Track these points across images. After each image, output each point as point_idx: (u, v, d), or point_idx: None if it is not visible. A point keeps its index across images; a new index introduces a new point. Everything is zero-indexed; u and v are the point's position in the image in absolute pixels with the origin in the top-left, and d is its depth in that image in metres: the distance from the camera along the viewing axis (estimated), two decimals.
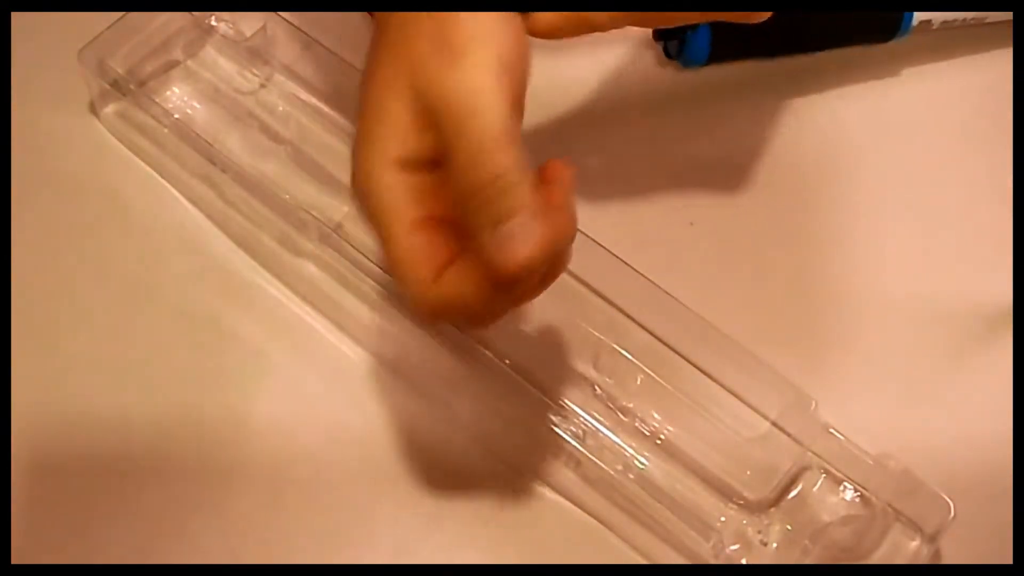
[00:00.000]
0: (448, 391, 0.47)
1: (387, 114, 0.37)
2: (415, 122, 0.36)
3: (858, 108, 0.57)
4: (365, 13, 0.55)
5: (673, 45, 0.56)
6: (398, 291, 0.46)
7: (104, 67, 0.51)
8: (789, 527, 0.44)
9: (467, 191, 0.36)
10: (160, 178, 0.52)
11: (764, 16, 0.44)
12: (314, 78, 0.53)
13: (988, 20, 0.57)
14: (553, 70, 0.55)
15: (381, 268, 0.47)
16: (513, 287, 0.36)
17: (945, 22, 0.57)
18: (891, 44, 0.57)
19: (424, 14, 0.37)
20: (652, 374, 0.47)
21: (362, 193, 0.37)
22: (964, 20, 0.57)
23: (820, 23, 0.56)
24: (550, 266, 0.37)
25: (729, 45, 0.55)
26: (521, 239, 0.35)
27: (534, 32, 0.43)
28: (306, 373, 0.48)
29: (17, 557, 0.43)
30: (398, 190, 0.37)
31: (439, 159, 0.37)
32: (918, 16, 0.56)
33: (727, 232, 0.53)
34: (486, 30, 0.36)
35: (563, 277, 0.47)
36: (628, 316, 0.48)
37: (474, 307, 0.37)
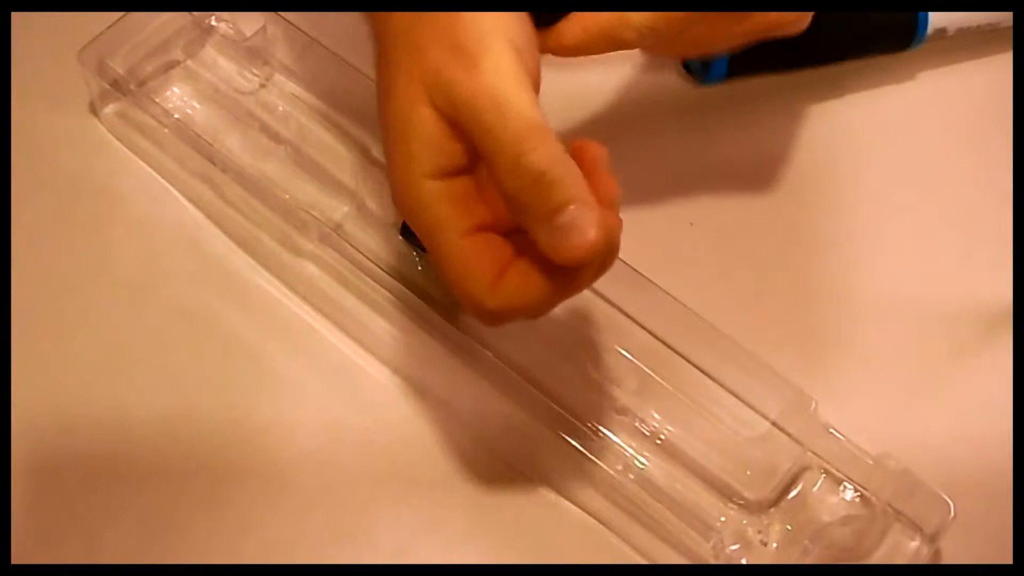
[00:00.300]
0: (448, 391, 0.47)
1: (414, 129, 0.37)
2: (444, 131, 0.36)
3: (858, 110, 0.57)
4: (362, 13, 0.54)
5: (694, 63, 0.55)
6: (430, 297, 0.47)
7: (104, 67, 0.51)
8: (789, 527, 0.44)
9: (514, 192, 0.36)
10: (160, 178, 0.52)
11: (803, 25, 0.43)
12: (314, 78, 0.53)
13: (1002, 25, 0.57)
14: (559, 73, 0.55)
15: (381, 268, 0.47)
16: (576, 278, 0.37)
17: (960, 29, 0.56)
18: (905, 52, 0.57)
19: (427, 18, 0.37)
20: (652, 374, 0.47)
21: (407, 210, 0.37)
22: (979, 27, 0.56)
23: (836, 35, 0.55)
24: (606, 252, 0.37)
25: (747, 60, 0.54)
26: (581, 226, 0.35)
27: (559, 50, 0.42)
28: (306, 373, 0.48)
29: (17, 557, 0.43)
30: (442, 201, 0.37)
31: (475, 162, 0.37)
32: (933, 24, 0.55)
33: (727, 232, 0.53)
34: (493, 22, 0.36)
35: None
36: (628, 316, 0.48)
37: (536, 307, 0.37)
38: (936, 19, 0.55)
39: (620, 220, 0.37)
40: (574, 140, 0.38)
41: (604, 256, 0.37)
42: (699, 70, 0.55)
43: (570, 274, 0.36)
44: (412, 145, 0.37)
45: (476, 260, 0.37)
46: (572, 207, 0.35)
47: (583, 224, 0.35)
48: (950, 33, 0.56)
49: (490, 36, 0.36)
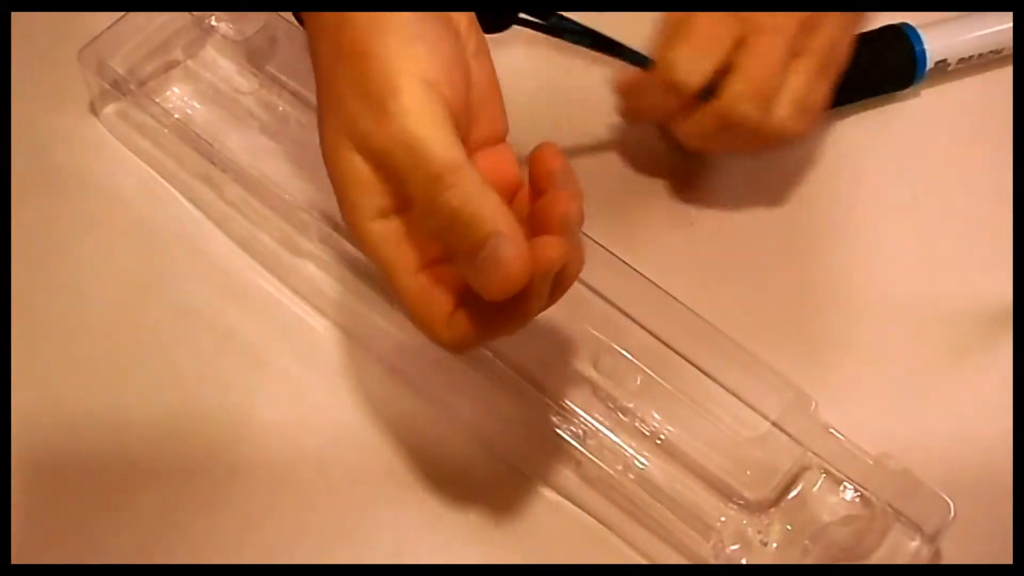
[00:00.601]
0: (448, 391, 0.47)
1: (348, 175, 0.36)
2: (375, 175, 0.36)
3: (858, 111, 0.57)
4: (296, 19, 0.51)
5: None
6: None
7: (104, 67, 0.51)
8: (789, 527, 0.44)
9: (436, 233, 0.36)
10: (160, 178, 0.52)
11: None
12: (314, 78, 0.53)
13: (1004, 52, 0.57)
14: (566, 72, 0.55)
15: None
16: (527, 303, 0.36)
17: (961, 59, 0.56)
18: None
19: (344, 64, 0.37)
20: (652, 374, 0.47)
21: (362, 250, 0.38)
22: (981, 55, 0.56)
23: (839, 81, 0.55)
24: (559, 275, 0.37)
25: None
26: (501, 260, 0.34)
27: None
28: (306, 373, 0.48)
29: (17, 557, 0.43)
30: (389, 242, 0.37)
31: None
32: (933, 56, 0.55)
33: (727, 232, 0.53)
34: (401, 62, 0.36)
35: None
36: (628, 316, 0.48)
37: (494, 334, 0.37)
38: (935, 51, 0.55)
39: (571, 243, 0.36)
40: (537, 145, 0.38)
41: (549, 280, 0.36)
42: None
43: (519, 301, 0.36)
44: (349, 192, 0.37)
45: (429, 296, 0.37)
46: (491, 242, 0.34)
47: (503, 258, 0.34)
48: (951, 66, 0.56)
49: (399, 78, 0.35)
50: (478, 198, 0.35)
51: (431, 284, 0.37)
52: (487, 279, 0.34)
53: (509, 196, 0.39)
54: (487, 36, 0.42)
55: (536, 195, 0.38)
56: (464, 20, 0.39)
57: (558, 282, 0.37)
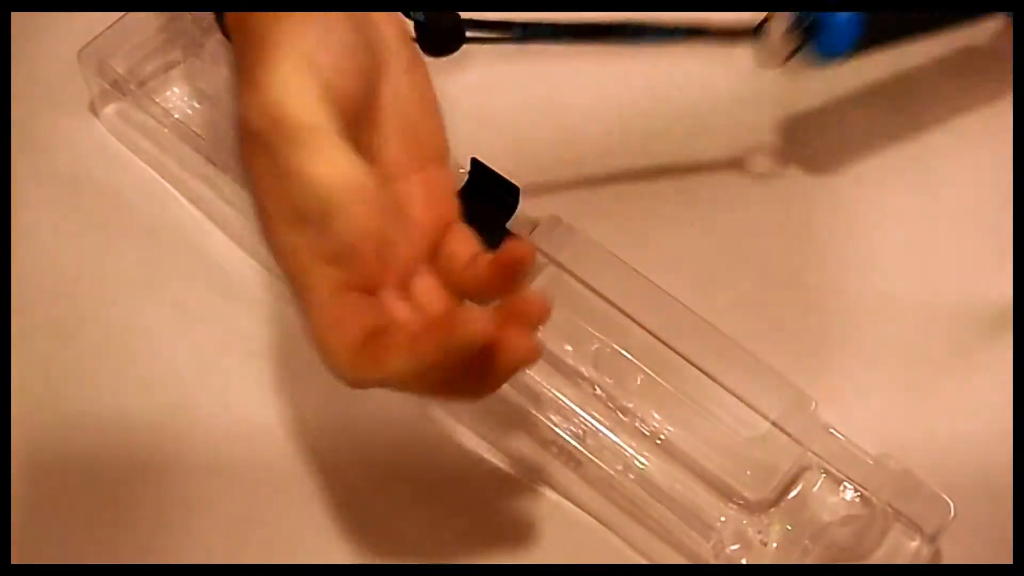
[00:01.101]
0: None
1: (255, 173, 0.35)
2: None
3: (858, 111, 0.57)
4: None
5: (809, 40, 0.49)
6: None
7: (104, 67, 0.51)
8: (789, 527, 0.44)
9: (287, 195, 0.34)
10: (160, 178, 0.52)
11: None
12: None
13: None
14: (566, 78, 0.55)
15: None
16: (417, 351, 0.33)
17: None
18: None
19: (248, 46, 0.36)
20: (652, 374, 0.47)
21: (276, 261, 0.36)
22: None
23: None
24: (494, 364, 0.34)
25: (879, 30, 0.49)
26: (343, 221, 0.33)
27: None
28: (305, 373, 0.48)
29: (17, 557, 0.43)
30: (306, 254, 0.35)
31: None
32: None
33: (727, 232, 0.53)
34: (287, 35, 0.35)
35: (563, 277, 0.47)
36: (628, 316, 0.47)
37: (390, 381, 0.35)
38: None
39: (518, 334, 0.34)
40: (510, 243, 0.36)
41: (459, 348, 0.33)
42: (817, 49, 0.49)
43: (421, 344, 0.33)
44: (259, 195, 0.35)
45: (339, 322, 0.34)
46: (335, 199, 0.33)
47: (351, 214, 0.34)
48: None
49: (275, 50, 0.34)
50: (331, 159, 0.33)
51: (343, 309, 0.34)
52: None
53: (437, 231, 0.38)
54: (446, 59, 0.41)
55: (495, 281, 0.36)
56: (393, 33, 0.38)
57: (492, 368, 0.34)
